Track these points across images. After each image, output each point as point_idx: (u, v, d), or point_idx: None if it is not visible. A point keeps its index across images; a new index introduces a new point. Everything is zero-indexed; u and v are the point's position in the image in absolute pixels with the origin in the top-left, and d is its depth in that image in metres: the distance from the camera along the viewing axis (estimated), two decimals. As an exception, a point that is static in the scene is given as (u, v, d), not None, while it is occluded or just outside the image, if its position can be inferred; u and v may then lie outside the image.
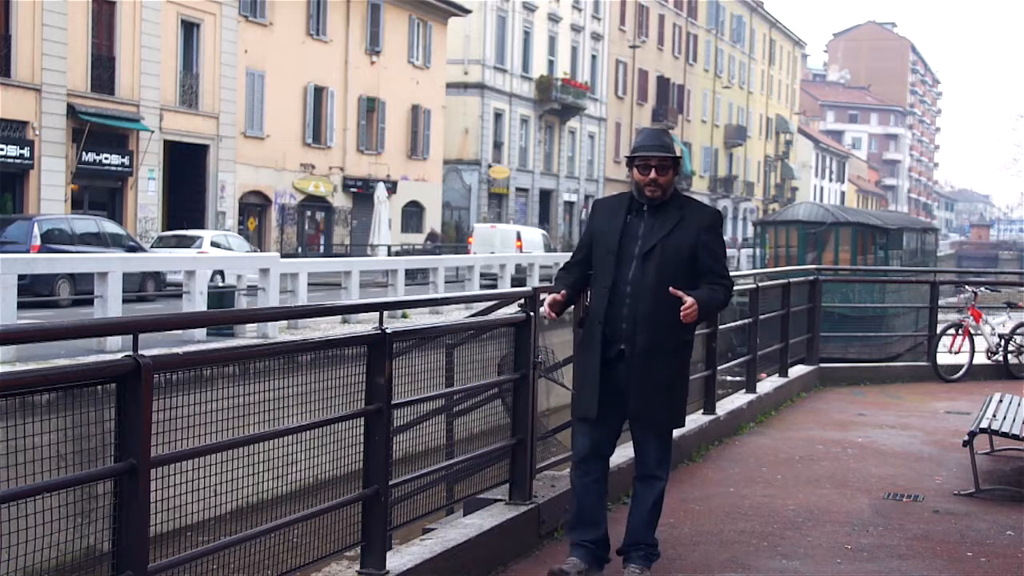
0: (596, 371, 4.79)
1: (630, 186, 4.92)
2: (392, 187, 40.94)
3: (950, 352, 13.55)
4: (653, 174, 4.80)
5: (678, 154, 4.84)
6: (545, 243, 37.77)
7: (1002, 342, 13.63)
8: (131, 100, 29.81)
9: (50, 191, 27.35)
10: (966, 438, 7.18)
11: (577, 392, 4.95)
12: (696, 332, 8.10)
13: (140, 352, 3.45)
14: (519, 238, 35.15)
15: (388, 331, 4.59)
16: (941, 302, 14.63)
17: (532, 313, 5.75)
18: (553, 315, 4.94)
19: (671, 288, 4.67)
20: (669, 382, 4.85)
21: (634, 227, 4.85)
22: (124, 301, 14.84)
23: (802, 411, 10.78)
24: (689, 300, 4.64)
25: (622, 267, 4.80)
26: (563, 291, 4.95)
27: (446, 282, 24.18)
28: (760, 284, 10.83)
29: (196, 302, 15.47)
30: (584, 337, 4.92)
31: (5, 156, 26.16)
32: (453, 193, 48.20)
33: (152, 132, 30.11)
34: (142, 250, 22.55)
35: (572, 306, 5.09)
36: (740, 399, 9.95)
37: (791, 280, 11.74)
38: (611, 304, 4.80)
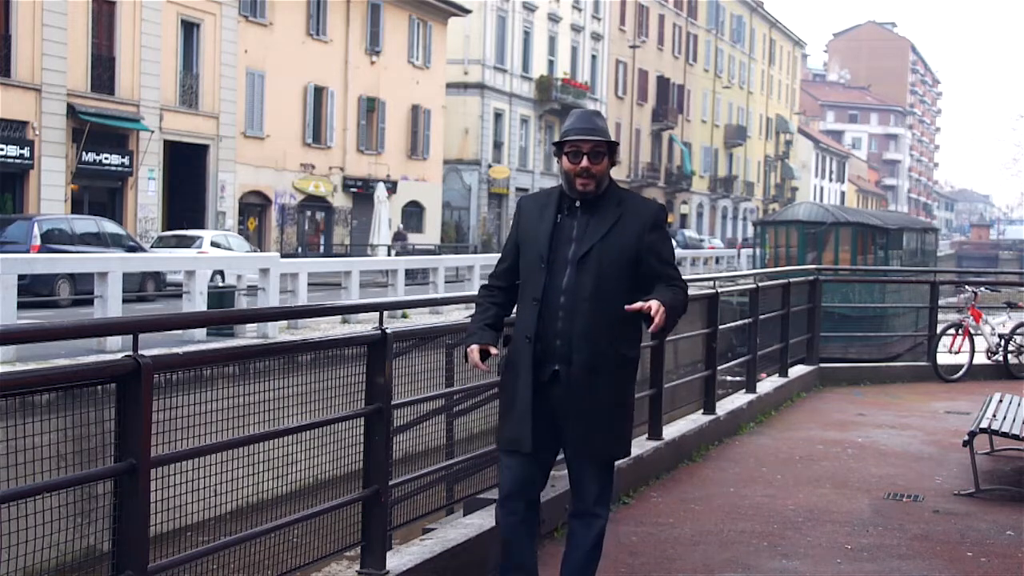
0: (528, 397, 4.07)
1: (561, 179, 4.22)
2: (392, 187, 40.93)
3: (950, 352, 13.55)
4: (585, 162, 4.08)
5: (613, 139, 4.16)
6: None
7: (1002, 342, 13.64)
8: (131, 100, 29.81)
9: (50, 191, 27.35)
10: (966, 438, 7.18)
11: (504, 421, 4.21)
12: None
13: (140, 352, 3.45)
14: None
15: (388, 331, 4.60)
16: (941, 302, 14.63)
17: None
18: (486, 368, 4.23)
19: (627, 306, 3.96)
20: (611, 406, 4.15)
21: (566, 228, 4.14)
22: (124, 301, 14.84)
23: (802, 411, 10.78)
24: (653, 303, 3.91)
25: (554, 275, 4.09)
26: (488, 344, 4.17)
27: (446, 282, 24.19)
28: (760, 284, 10.83)
29: (196, 302, 15.47)
30: (511, 357, 4.19)
31: (5, 156, 26.16)
32: (453, 193, 48.20)
33: (152, 132, 30.12)
34: (142, 250, 22.55)
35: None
36: (740, 399, 9.96)
37: (791, 280, 11.74)
38: (542, 318, 4.08)
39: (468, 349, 4.17)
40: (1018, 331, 13.75)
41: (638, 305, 3.94)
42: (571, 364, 4.06)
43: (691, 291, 10.31)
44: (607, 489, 4.29)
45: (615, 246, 4.08)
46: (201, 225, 31.36)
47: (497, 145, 49.80)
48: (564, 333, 4.07)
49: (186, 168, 32.18)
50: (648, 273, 4.12)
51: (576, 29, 56.32)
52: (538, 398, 4.09)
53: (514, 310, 4.34)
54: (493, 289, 4.34)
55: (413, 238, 42.61)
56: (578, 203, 4.14)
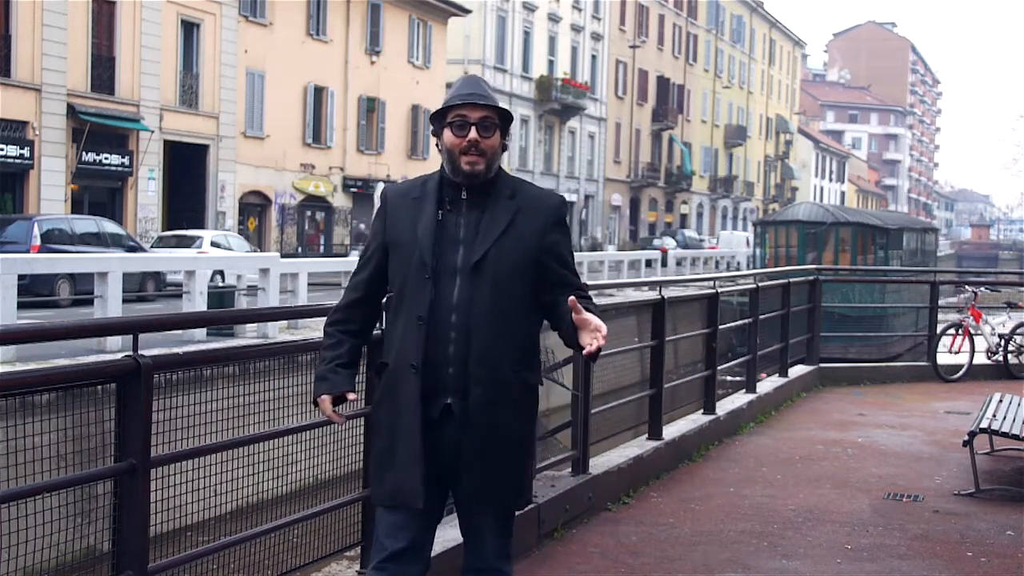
0: (417, 439, 3.28)
1: (443, 162, 3.41)
2: (392, 187, 40.89)
3: (950, 352, 13.55)
4: (473, 133, 3.30)
5: (505, 107, 3.38)
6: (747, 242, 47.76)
7: (1002, 342, 13.64)
8: (131, 100, 29.81)
9: (50, 191, 27.35)
10: (966, 438, 7.18)
11: (381, 469, 3.39)
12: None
13: (140, 352, 3.45)
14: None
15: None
16: (941, 302, 14.63)
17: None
18: (341, 419, 3.46)
19: (571, 299, 3.23)
20: (517, 446, 3.40)
21: (450, 227, 3.33)
22: (124, 301, 14.84)
23: (802, 411, 10.78)
24: (598, 320, 3.22)
25: (441, 286, 3.29)
26: (344, 391, 3.38)
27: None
28: (760, 284, 10.83)
29: (196, 302, 15.47)
30: (387, 391, 3.37)
31: (5, 156, 26.17)
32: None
33: (152, 132, 30.12)
34: (142, 250, 22.55)
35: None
36: (740, 399, 9.96)
37: (791, 280, 11.74)
38: (430, 341, 3.27)
39: (318, 400, 3.37)
40: (1018, 331, 13.75)
41: (581, 308, 3.22)
42: (467, 396, 3.28)
43: (691, 291, 10.29)
44: (509, 541, 3.56)
45: (514, 249, 3.31)
46: (201, 225, 31.36)
47: (497, 145, 49.74)
48: (458, 359, 3.28)
49: (186, 168, 32.18)
50: (551, 281, 3.37)
51: (576, 29, 56.31)
52: (427, 440, 3.30)
53: (373, 332, 3.58)
54: (346, 311, 3.48)
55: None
56: (464, 194, 3.35)
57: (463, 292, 3.28)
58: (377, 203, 3.61)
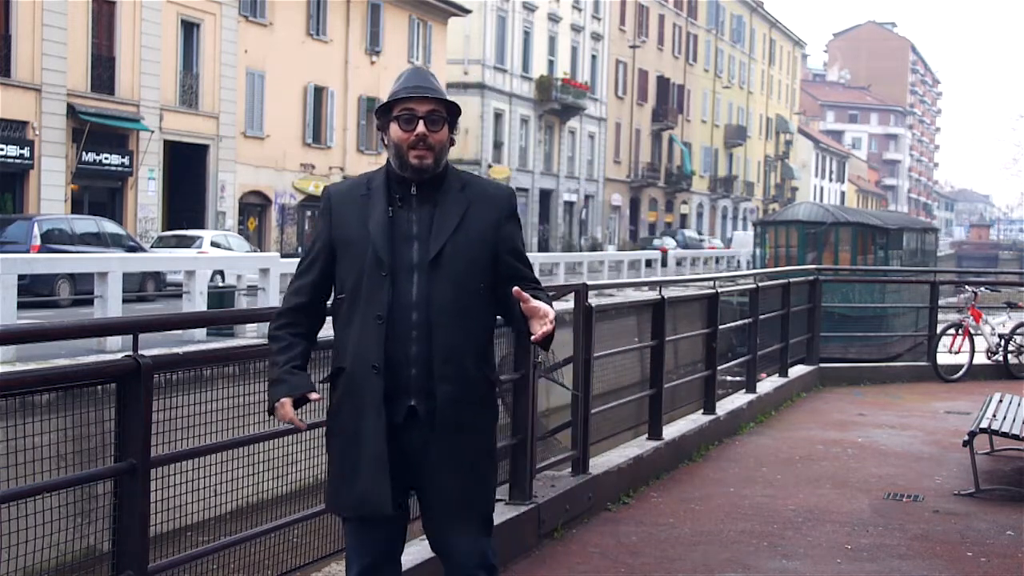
0: (382, 444, 3.15)
1: (390, 156, 3.29)
2: (392, 187, 40.92)
3: (950, 352, 13.55)
4: (421, 127, 3.21)
5: (452, 100, 3.31)
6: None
7: (1002, 342, 13.64)
8: (131, 100, 29.81)
9: (50, 191, 27.35)
10: (966, 438, 7.18)
11: (342, 478, 3.25)
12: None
13: (140, 352, 3.45)
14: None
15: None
16: (941, 302, 14.63)
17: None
18: (303, 425, 3.30)
19: (515, 289, 3.13)
20: (486, 446, 3.33)
21: (402, 224, 3.24)
22: (124, 301, 14.84)
23: (802, 411, 10.78)
24: (547, 307, 3.12)
25: (399, 284, 3.19)
26: (306, 392, 3.23)
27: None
28: (760, 284, 10.83)
29: (196, 302, 15.47)
30: (346, 396, 3.25)
31: (5, 156, 26.16)
32: (453, 193, 48.19)
33: (152, 132, 30.12)
34: (142, 250, 22.54)
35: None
36: (740, 399, 9.96)
37: (791, 280, 11.74)
38: (390, 341, 3.17)
39: (277, 404, 3.21)
40: (1018, 331, 13.75)
41: (528, 296, 3.11)
42: (433, 397, 3.18)
43: (691, 291, 10.29)
44: (489, 546, 3.35)
45: (469, 243, 3.24)
46: (201, 225, 31.35)
47: (497, 145, 49.79)
48: (420, 359, 3.18)
49: (186, 168, 32.18)
50: (505, 274, 3.29)
51: (576, 29, 56.31)
52: (391, 445, 3.19)
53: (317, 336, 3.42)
54: (292, 315, 3.33)
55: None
56: (413, 190, 3.25)
57: (422, 289, 3.19)
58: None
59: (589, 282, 6.73)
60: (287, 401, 3.20)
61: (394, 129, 3.24)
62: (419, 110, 3.22)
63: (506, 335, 5.77)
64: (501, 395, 5.90)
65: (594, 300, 6.53)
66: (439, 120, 3.25)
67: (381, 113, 3.29)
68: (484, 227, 3.27)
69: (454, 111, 3.28)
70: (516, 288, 3.12)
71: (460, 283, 3.21)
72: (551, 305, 3.15)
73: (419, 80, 3.28)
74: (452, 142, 3.32)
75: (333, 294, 3.34)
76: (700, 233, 67.90)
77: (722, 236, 74.53)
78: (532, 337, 3.10)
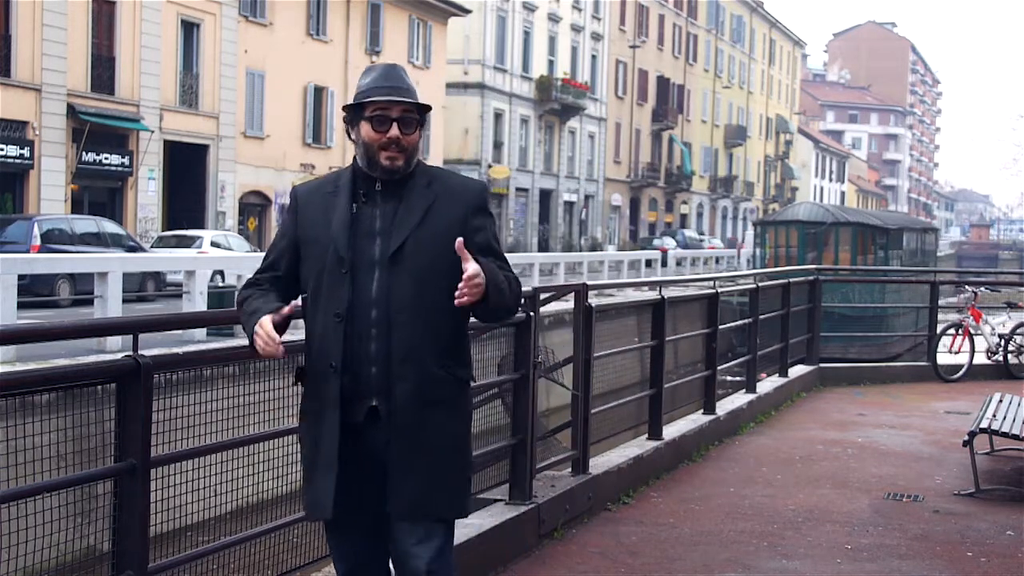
0: (334, 445, 3.08)
1: (358, 155, 3.20)
2: (392, 187, 40.92)
3: (950, 352, 13.55)
4: (395, 130, 3.12)
5: (423, 100, 3.22)
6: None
7: (1002, 342, 13.64)
8: (131, 100, 29.80)
9: (50, 191, 27.35)
10: (966, 438, 7.19)
11: (305, 483, 3.20)
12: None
13: (140, 352, 3.45)
14: None
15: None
16: (941, 302, 14.63)
17: (532, 313, 5.74)
18: (281, 349, 3.11)
19: (458, 241, 3.03)
20: (452, 449, 3.18)
21: (365, 219, 3.15)
22: (124, 301, 14.85)
23: (802, 411, 10.78)
24: (472, 267, 3.00)
25: (359, 281, 3.11)
26: (280, 308, 3.14)
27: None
28: (760, 284, 10.83)
29: (196, 302, 15.47)
30: (309, 397, 3.19)
31: (5, 156, 26.16)
32: (453, 193, 48.16)
33: (152, 132, 30.11)
34: (142, 250, 22.54)
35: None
36: (740, 399, 9.96)
37: (791, 280, 11.74)
38: (349, 339, 3.09)
39: (257, 327, 3.09)
40: (1018, 331, 13.75)
41: (466, 253, 3.02)
42: (393, 397, 3.09)
43: (691, 291, 10.27)
44: (447, 557, 3.19)
45: (433, 237, 3.12)
46: (201, 225, 31.35)
47: (497, 145, 49.79)
48: (380, 357, 3.09)
49: (186, 168, 32.17)
50: None
51: (576, 29, 56.31)
52: (349, 446, 3.10)
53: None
54: (255, 285, 3.29)
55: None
56: (378, 185, 3.17)
57: (382, 285, 3.11)
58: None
59: (589, 282, 6.73)
60: (265, 319, 3.08)
61: (365, 129, 3.15)
62: (392, 112, 3.13)
63: (506, 335, 5.77)
64: (501, 395, 5.91)
65: (594, 300, 6.53)
66: (412, 122, 3.17)
67: (351, 109, 3.18)
68: (450, 222, 3.15)
69: (424, 110, 3.20)
70: (459, 240, 3.00)
71: (422, 279, 3.10)
72: (487, 270, 3.04)
73: (393, 80, 3.17)
74: (421, 128, 3.24)
75: (300, 295, 3.26)
76: (701, 233, 67.93)
77: (722, 236, 74.55)
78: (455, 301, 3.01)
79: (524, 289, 5.74)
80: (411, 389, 3.09)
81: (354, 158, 3.23)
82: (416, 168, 3.21)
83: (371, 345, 3.10)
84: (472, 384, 3.31)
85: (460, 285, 2.99)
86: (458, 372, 3.19)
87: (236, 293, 3.30)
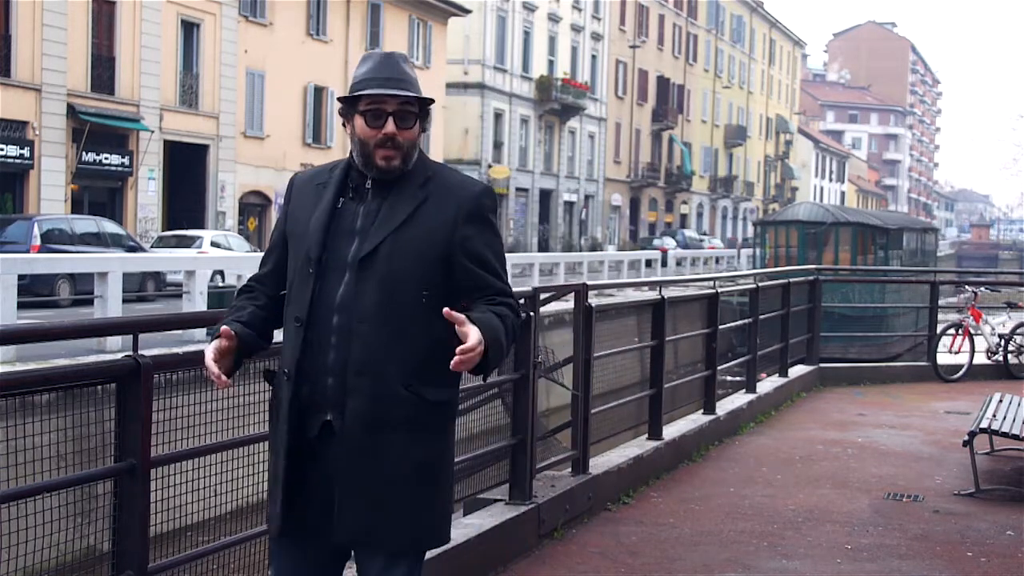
0: (284, 460, 2.84)
1: (353, 150, 2.93)
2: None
3: (950, 352, 13.55)
4: (391, 126, 2.83)
5: (424, 95, 2.90)
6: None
7: (1002, 342, 13.64)
8: (131, 100, 29.80)
9: (50, 191, 27.35)
10: (966, 438, 7.19)
11: (268, 495, 2.96)
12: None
13: (140, 352, 3.45)
14: None
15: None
16: (941, 302, 14.63)
17: (532, 313, 5.74)
18: (224, 379, 2.83)
19: (446, 309, 2.68)
20: (416, 476, 2.82)
21: (347, 216, 2.88)
22: (124, 301, 14.85)
23: (802, 411, 10.78)
24: (473, 337, 2.66)
25: (325, 283, 2.83)
26: (227, 332, 2.83)
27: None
28: (760, 284, 10.83)
29: (196, 302, 15.47)
30: (272, 404, 2.96)
31: (5, 156, 26.16)
32: (453, 193, 48.18)
33: (152, 132, 30.12)
34: (142, 250, 22.54)
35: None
36: (740, 399, 9.96)
37: (791, 280, 11.74)
38: (308, 346, 2.82)
39: (209, 349, 2.84)
40: (1018, 331, 13.75)
41: (456, 315, 2.67)
42: (345, 414, 2.79)
43: (691, 291, 10.25)
44: None
45: (414, 241, 2.81)
46: (201, 225, 31.34)
47: (497, 145, 49.80)
48: (337, 367, 2.79)
49: (186, 168, 32.18)
50: (464, 283, 2.86)
51: (576, 29, 56.31)
52: (300, 462, 2.83)
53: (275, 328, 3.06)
54: (248, 291, 3.06)
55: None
56: (369, 182, 2.89)
57: (348, 290, 2.80)
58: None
59: (589, 282, 6.73)
60: (209, 349, 2.82)
61: (360, 124, 2.86)
62: (389, 106, 2.83)
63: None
64: (501, 395, 5.91)
65: (594, 300, 6.53)
66: (410, 116, 2.86)
67: (346, 102, 2.90)
68: (436, 226, 2.83)
69: (426, 103, 2.90)
70: (446, 310, 2.67)
71: (393, 286, 2.78)
72: (486, 327, 2.70)
73: (390, 71, 2.86)
74: (424, 130, 2.94)
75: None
76: (704, 233, 67.94)
77: (722, 236, 74.56)
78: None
79: (524, 289, 5.76)
80: (363, 406, 2.77)
81: (350, 152, 2.96)
82: (416, 165, 2.91)
83: (329, 354, 2.80)
84: (446, 409, 2.91)
85: (456, 354, 2.64)
86: (426, 392, 2.80)
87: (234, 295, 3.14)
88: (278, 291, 2.99)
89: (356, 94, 2.85)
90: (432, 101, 2.92)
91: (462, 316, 2.66)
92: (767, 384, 10.86)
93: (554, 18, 53.82)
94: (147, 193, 30.55)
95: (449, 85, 46.28)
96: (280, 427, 2.86)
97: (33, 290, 17.54)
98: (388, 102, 2.83)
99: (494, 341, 2.72)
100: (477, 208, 2.88)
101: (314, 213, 2.88)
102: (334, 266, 2.82)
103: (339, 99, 2.93)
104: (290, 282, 2.90)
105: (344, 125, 2.94)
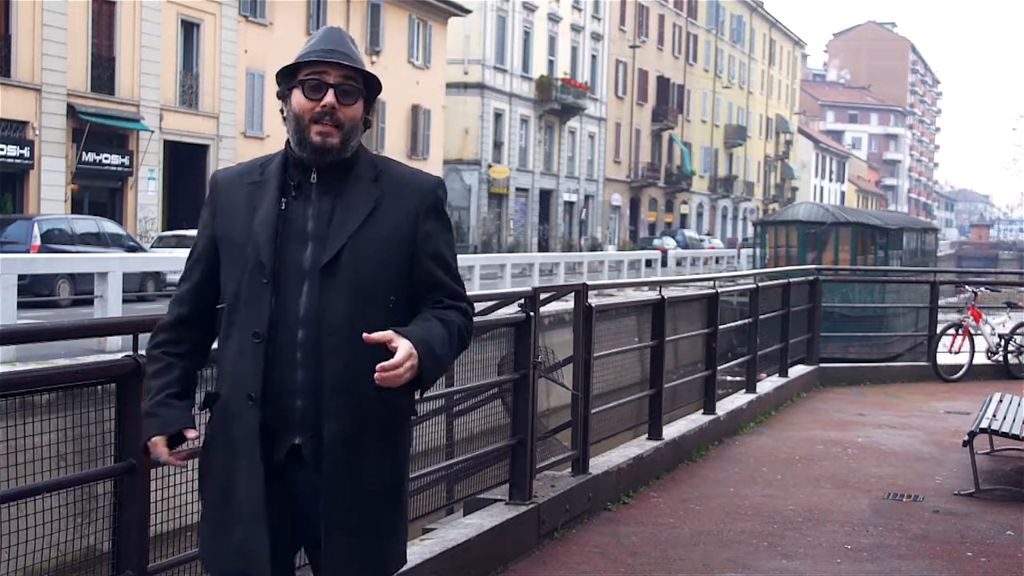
0: (259, 491, 2.56)
1: (289, 133, 2.71)
2: (392, 187, 40.95)
3: (950, 352, 13.55)
4: (330, 97, 2.61)
5: (367, 69, 2.67)
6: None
7: (1002, 342, 13.64)
8: (131, 100, 29.81)
9: (50, 191, 27.35)
10: (966, 438, 7.19)
11: (215, 525, 2.65)
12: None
13: (140, 352, 3.45)
14: None
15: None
16: (941, 302, 14.63)
17: (532, 313, 5.75)
18: (181, 463, 2.72)
19: (365, 335, 2.48)
20: (389, 494, 2.68)
21: (296, 218, 2.62)
22: (124, 301, 14.84)
23: (802, 411, 10.78)
24: (401, 351, 2.46)
25: (284, 294, 2.58)
26: (183, 427, 2.62)
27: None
28: (760, 284, 10.84)
29: (196, 302, 15.45)
30: (220, 429, 2.65)
31: (5, 156, 26.17)
32: (453, 193, 48.17)
33: (152, 132, 30.12)
34: (142, 250, 22.55)
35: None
36: (740, 399, 9.96)
37: (791, 280, 11.74)
38: (271, 364, 2.57)
39: (149, 443, 2.63)
40: (1018, 331, 13.75)
41: (378, 336, 2.47)
42: (320, 436, 2.57)
43: (691, 291, 10.24)
44: None
45: (375, 243, 2.60)
46: (201, 225, 31.32)
47: (497, 145, 49.81)
48: (308, 387, 2.56)
49: (186, 168, 32.17)
50: (421, 283, 2.67)
51: (576, 29, 56.31)
52: (271, 490, 2.58)
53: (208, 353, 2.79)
54: (172, 330, 2.72)
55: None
56: (313, 176, 2.64)
57: (312, 301, 2.56)
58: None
59: (589, 282, 6.74)
60: (157, 442, 2.61)
61: (296, 97, 2.64)
62: (330, 77, 2.61)
63: (506, 335, 5.77)
64: (501, 395, 5.92)
65: (594, 300, 6.53)
66: (353, 92, 2.63)
67: (284, 77, 2.67)
68: (397, 224, 2.63)
69: (374, 85, 2.68)
70: (365, 335, 2.47)
71: (361, 294, 2.57)
72: (419, 341, 2.51)
73: (335, 43, 2.65)
74: (368, 124, 2.70)
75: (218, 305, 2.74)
76: (707, 233, 67.93)
77: (722, 236, 74.56)
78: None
79: (523, 289, 5.76)
80: (345, 427, 2.56)
81: (286, 141, 2.71)
82: (359, 156, 2.68)
83: (297, 373, 2.56)
84: (409, 415, 2.75)
85: (376, 371, 2.44)
86: (400, 402, 2.63)
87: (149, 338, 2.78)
88: (211, 307, 2.72)
89: (295, 63, 2.65)
90: (378, 82, 2.69)
91: (389, 333, 2.48)
92: (767, 384, 10.86)
93: (554, 18, 53.83)
94: (147, 193, 30.56)
95: (449, 85, 46.30)
96: (243, 457, 2.58)
97: (33, 290, 17.53)
98: (329, 72, 2.61)
99: (427, 355, 2.51)
100: (435, 202, 2.70)
101: (255, 216, 2.62)
102: (289, 275, 2.58)
103: (277, 75, 2.70)
104: (234, 293, 2.62)
105: (281, 111, 2.71)
